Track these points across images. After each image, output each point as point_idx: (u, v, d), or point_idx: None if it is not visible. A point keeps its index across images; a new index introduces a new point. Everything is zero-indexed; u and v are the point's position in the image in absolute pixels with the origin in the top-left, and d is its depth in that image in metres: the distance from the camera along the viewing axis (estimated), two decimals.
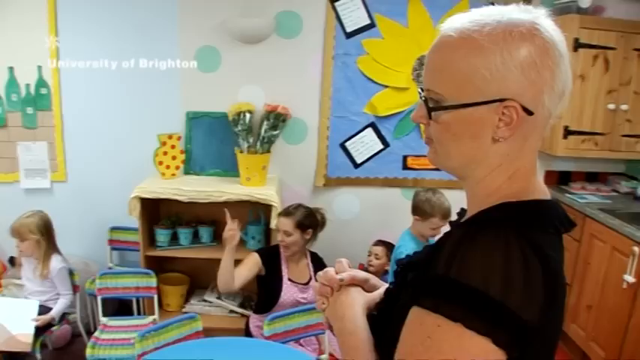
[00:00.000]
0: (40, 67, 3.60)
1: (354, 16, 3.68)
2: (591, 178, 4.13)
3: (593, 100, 3.59)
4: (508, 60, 0.83)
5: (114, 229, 3.76)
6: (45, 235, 3.15)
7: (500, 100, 0.85)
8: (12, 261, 3.77)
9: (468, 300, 0.77)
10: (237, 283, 2.90)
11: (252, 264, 2.99)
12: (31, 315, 2.97)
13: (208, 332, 2.68)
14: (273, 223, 3.33)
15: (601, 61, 3.55)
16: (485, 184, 0.93)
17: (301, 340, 2.94)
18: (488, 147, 0.89)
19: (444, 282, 0.80)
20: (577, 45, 3.47)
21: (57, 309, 3.10)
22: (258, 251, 3.08)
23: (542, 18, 0.88)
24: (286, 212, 3.08)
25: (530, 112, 0.86)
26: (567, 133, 3.61)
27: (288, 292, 3.04)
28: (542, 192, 0.93)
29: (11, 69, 3.60)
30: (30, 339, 2.90)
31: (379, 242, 3.69)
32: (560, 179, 4.07)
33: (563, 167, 4.05)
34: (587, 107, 3.60)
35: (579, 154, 3.76)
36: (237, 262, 3.33)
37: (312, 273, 3.15)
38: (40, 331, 3.00)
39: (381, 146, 3.93)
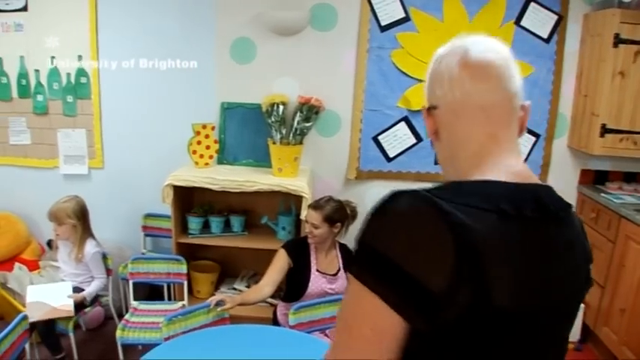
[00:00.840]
0: (80, 57, 3.70)
1: (389, 10, 3.67)
2: (629, 178, 4.02)
3: (633, 97, 3.49)
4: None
5: (148, 215, 3.84)
6: (81, 220, 3.23)
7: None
8: (49, 244, 3.90)
9: (371, 261, 0.84)
10: (269, 290, 2.94)
11: (281, 264, 3.02)
12: (66, 293, 3.07)
13: (236, 320, 2.72)
14: (303, 214, 3.36)
15: None
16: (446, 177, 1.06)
17: (327, 331, 2.96)
18: (436, 146, 1.09)
19: (358, 245, 0.88)
20: (617, 41, 3.38)
21: (90, 290, 3.19)
22: (285, 246, 3.09)
23: (456, 39, 1.07)
24: (315, 205, 3.09)
25: (435, 107, 1.04)
26: (605, 131, 3.52)
27: (316, 282, 3.06)
28: (503, 174, 0.95)
29: (53, 58, 3.71)
30: (71, 308, 3.00)
31: None
32: (596, 179, 3.98)
33: (600, 166, 3.96)
34: (626, 105, 3.50)
35: (617, 153, 3.66)
36: (268, 252, 3.40)
37: (342, 264, 3.17)
38: (74, 312, 3.09)
39: (414, 140, 3.91)
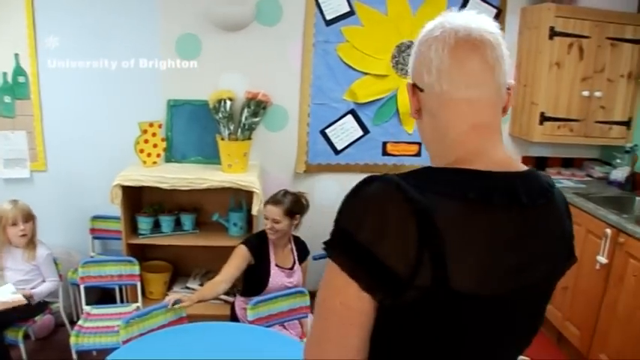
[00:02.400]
0: (17, 56, 3.55)
1: (334, 4, 3.70)
2: (567, 163, 4.23)
3: (569, 87, 3.67)
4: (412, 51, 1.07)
5: (95, 217, 3.74)
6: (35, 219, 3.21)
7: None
8: None
9: (342, 241, 0.90)
10: (225, 286, 2.90)
11: (240, 260, 2.98)
12: (10, 291, 2.98)
13: (193, 319, 2.70)
14: (255, 210, 3.36)
15: (576, 49, 3.62)
16: (432, 164, 1.06)
17: (285, 324, 2.98)
18: (417, 123, 1.10)
19: (334, 226, 0.94)
20: (553, 33, 3.55)
21: (40, 289, 3.11)
22: (246, 243, 3.05)
23: (447, 15, 1.03)
24: (275, 201, 3.08)
25: (420, 89, 1.03)
26: (543, 119, 3.68)
27: (276, 277, 3.08)
28: (482, 163, 0.97)
29: None
30: (19, 297, 2.93)
31: None
32: (537, 165, 4.15)
33: (540, 153, 4.14)
34: (562, 94, 3.68)
35: (555, 140, 3.84)
36: (220, 249, 3.40)
37: (297, 257, 3.21)
38: (22, 321, 3.00)
39: (361, 133, 3.97)
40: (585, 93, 3.70)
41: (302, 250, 3.26)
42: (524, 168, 1.02)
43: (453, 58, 0.98)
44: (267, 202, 3.11)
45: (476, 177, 0.94)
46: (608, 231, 3.06)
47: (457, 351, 0.96)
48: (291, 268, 3.15)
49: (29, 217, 3.16)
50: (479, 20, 1.01)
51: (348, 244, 0.89)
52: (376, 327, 0.91)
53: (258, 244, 3.07)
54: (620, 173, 3.77)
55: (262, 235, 3.12)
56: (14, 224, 3.10)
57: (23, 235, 3.13)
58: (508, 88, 1.04)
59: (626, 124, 3.84)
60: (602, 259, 3.09)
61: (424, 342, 0.93)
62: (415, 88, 1.05)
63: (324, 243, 0.93)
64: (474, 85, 0.99)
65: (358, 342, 0.90)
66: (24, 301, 2.93)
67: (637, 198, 3.56)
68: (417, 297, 0.86)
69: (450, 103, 1.00)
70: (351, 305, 0.89)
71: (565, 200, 1.10)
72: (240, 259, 2.99)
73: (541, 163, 4.17)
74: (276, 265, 3.09)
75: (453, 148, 1.01)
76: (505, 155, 1.02)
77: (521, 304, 1.00)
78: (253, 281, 3.08)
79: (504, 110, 1.06)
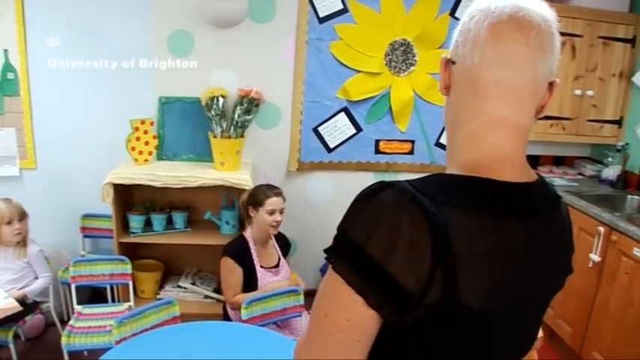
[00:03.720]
0: (6, 52, 3.50)
1: (327, 1, 3.68)
2: (558, 161, 4.25)
3: (561, 85, 3.65)
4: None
5: (86, 216, 3.70)
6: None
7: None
8: None
9: (349, 254, 0.83)
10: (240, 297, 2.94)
11: (236, 273, 3.01)
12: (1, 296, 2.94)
13: (185, 318, 2.68)
14: None
15: (568, 48, 3.64)
16: (448, 150, 1.00)
17: (278, 323, 2.97)
18: (444, 101, 1.03)
19: (339, 233, 0.87)
20: None
21: (33, 287, 3.10)
22: (228, 254, 3.03)
23: None
24: (277, 192, 3.12)
25: (453, 62, 0.97)
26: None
27: (264, 279, 3.06)
28: (496, 168, 0.91)
29: None
30: (16, 303, 2.88)
31: None
32: (529, 163, 4.15)
33: (532, 151, 4.14)
34: (554, 92, 3.68)
35: (547, 138, 3.85)
36: (212, 247, 3.39)
37: (280, 253, 3.23)
38: (12, 321, 2.95)
39: (354, 131, 3.96)
40: (577, 92, 3.72)
41: (284, 245, 3.29)
42: (535, 176, 0.98)
43: (491, 30, 0.89)
44: (270, 195, 3.09)
45: (492, 188, 0.89)
46: (601, 229, 3.07)
47: None
48: (277, 266, 3.16)
49: (23, 216, 3.16)
50: (534, 3, 0.92)
51: (357, 257, 0.82)
52: (376, 341, 0.86)
53: (240, 250, 3.06)
54: (611, 171, 3.80)
55: (241, 239, 3.11)
56: (9, 223, 3.08)
57: (18, 234, 3.11)
58: (550, 84, 0.94)
59: (618, 122, 3.87)
60: (595, 257, 3.10)
61: (424, 356, 0.90)
62: (448, 62, 0.98)
63: (326, 251, 0.88)
64: (506, 64, 0.89)
65: (362, 357, 0.86)
66: (19, 308, 2.89)
67: (628, 196, 3.59)
68: (424, 313, 0.82)
69: (477, 80, 0.91)
70: (358, 322, 0.83)
71: (568, 212, 1.06)
72: (235, 272, 3.01)
73: (533, 161, 4.18)
74: (262, 267, 3.09)
75: (469, 144, 0.94)
76: (524, 163, 0.96)
77: (522, 315, 0.98)
78: (243, 286, 3.06)
79: (539, 111, 0.96)
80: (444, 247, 0.80)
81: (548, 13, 0.92)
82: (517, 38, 0.89)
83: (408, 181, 0.87)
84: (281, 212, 3.09)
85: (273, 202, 3.06)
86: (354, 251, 0.83)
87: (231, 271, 3.01)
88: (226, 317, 3.14)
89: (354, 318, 0.83)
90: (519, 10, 0.89)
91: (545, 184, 1.01)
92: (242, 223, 3.59)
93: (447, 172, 0.95)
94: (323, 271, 3.97)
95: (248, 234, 3.12)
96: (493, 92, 0.91)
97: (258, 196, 3.10)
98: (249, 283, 3.04)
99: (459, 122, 0.97)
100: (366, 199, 0.86)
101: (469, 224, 0.84)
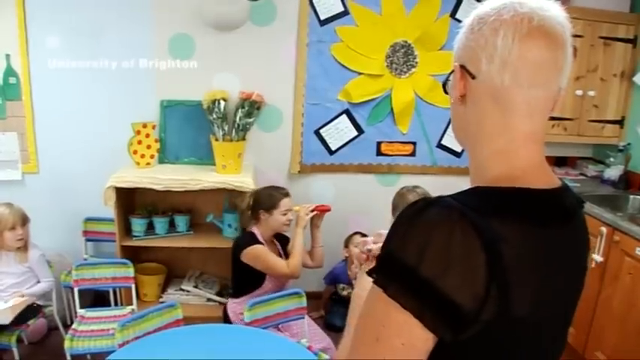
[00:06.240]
0: (8, 56, 3.51)
1: (328, 4, 3.68)
2: (560, 162, 4.24)
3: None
4: (462, 29, 0.95)
5: (88, 220, 3.71)
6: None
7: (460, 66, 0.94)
8: None
9: (400, 275, 0.80)
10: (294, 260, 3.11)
11: (267, 251, 3.07)
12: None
13: (187, 321, 2.68)
14: None
15: None
16: (472, 165, 0.98)
17: (280, 326, 2.97)
18: (456, 108, 0.98)
19: (385, 254, 0.84)
20: None
21: (34, 290, 3.12)
22: (250, 243, 3.07)
23: None
24: (286, 193, 3.19)
25: (472, 76, 0.92)
26: None
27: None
28: (529, 177, 0.90)
29: None
30: (19, 300, 2.92)
31: (358, 233, 3.75)
32: None
33: None
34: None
35: (549, 139, 3.84)
36: (215, 250, 3.40)
37: (281, 250, 3.26)
38: (15, 325, 2.96)
39: (356, 133, 3.96)
40: (579, 92, 3.71)
41: (282, 241, 3.32)
42: (559, 182, 0.97)
43: (522, 49, 0.86)
44: (281, 198, 3.14)
45: (532, 197, 0.88)
46: (604, 229, 3.07)
47: None
48: None
49: (26, 221, 3.17)
50: (553, 8, 0.89)
51: (409, 279, 0.79)
52: None
53: (257, 241, 3.10)
54: (613, 172, 3.79)
55: (252, 234, 3.14)
56: (12, 229, 3.08)
57: (20, 239, 3.13)
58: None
59: (619, 122, 3.86)
60: (598, 258, 3.10)
61: None
62: (465, 73, 0.93)
63: (372, 274, 0.85)
64: (537, 85, 0.88)
65: None
66: (23, 306, 2.93)
67: (631, 196, 3.59)
68: (479, 329, 0.80)
69: (508, 101, 0.89)
70: (414, 345, 0.80)
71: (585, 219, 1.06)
72: (268, 252, 3.08)
73: None
74: None
75: (499, 159, 0.92)
76: (549, 169, 0.96)
77: (563, 318, 0.98)
78: (247, 281, 3.07)
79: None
80: (498, 262, 0.79)
81: (564, 17, 0.91)
82: (546, 57, 0.88)
83: (451, 196, 0.85)
84: (290, 211, 3.17)
85: (286, 202, 3.15)
86: (406, 273, 0.80)
87: (266, 252, 3.06)
88: (226, 320, 3.15)
89: (410, 341, 0.80)
90: (545, 21, 0.87)
91: (570, 189, 1.00)
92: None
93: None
94: (327, 279, 3.99)
95: (256, 231, 3.14)
96: (522, 110, 0.90)
97: (272, 198, 3.13)
98: (256, 278, 3.07)
99: (481, 137, 0.94)
100: (412, 218, 0.83)
101: (517, 236, 0.83)
